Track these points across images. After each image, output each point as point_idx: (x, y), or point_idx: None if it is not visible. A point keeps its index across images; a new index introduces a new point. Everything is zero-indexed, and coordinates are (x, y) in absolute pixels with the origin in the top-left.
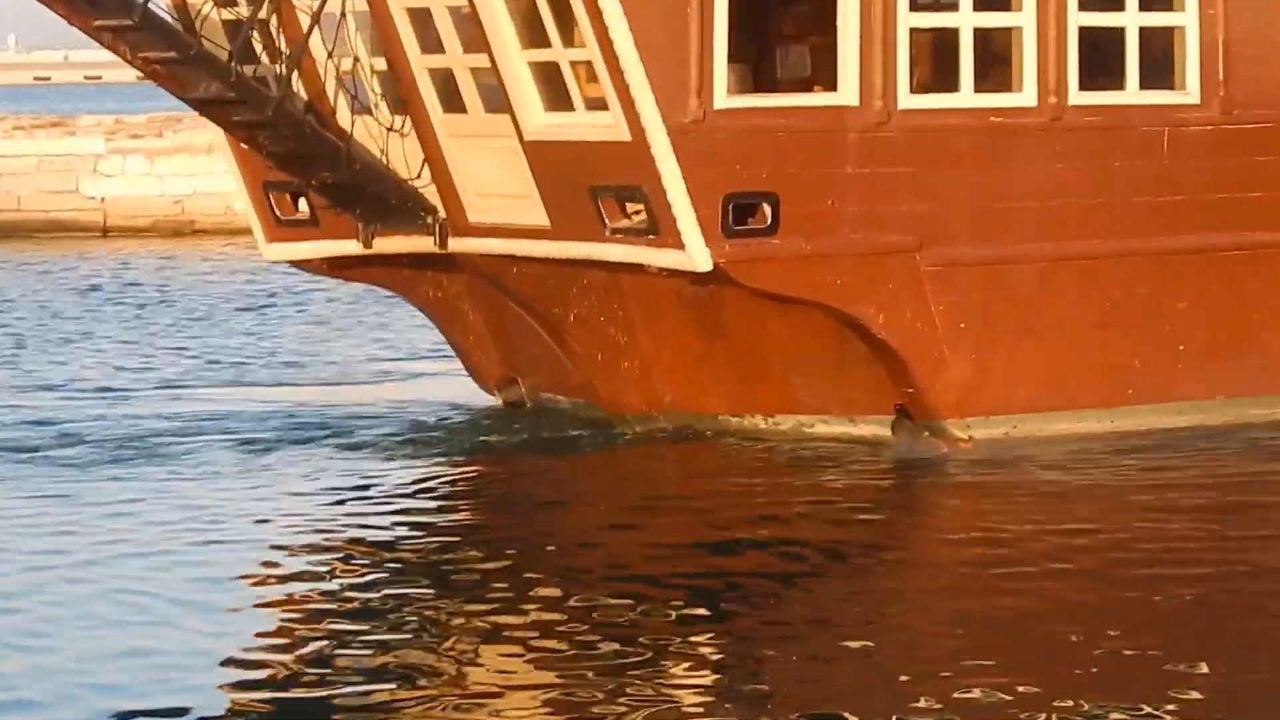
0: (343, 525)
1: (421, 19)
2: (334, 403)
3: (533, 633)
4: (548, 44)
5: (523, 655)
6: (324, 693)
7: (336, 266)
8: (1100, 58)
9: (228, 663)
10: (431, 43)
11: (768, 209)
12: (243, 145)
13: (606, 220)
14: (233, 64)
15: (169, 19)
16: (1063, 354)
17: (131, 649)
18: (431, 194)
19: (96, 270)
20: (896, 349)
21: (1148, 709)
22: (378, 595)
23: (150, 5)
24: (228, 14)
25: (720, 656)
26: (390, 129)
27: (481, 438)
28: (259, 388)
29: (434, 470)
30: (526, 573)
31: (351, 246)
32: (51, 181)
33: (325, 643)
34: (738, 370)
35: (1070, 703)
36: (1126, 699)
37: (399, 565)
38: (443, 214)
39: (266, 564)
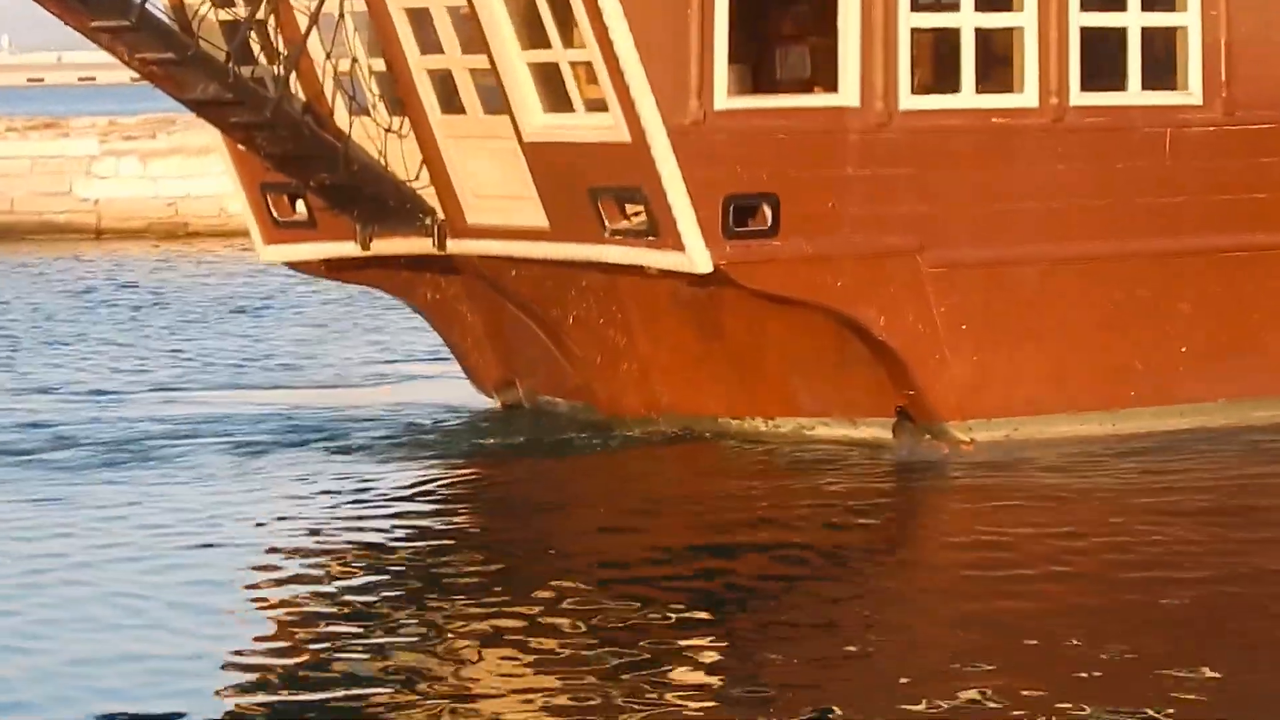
0: (339, 528)
1: (420, 19)
2: (330, 405)
3: (532, 636)
4: (547, 45)
5: (522, 658)
6: (321, 696)
7: (334, 268)
8: (1102, 58)
9: (224, 666)
10: (430, 43)
11: (768, 210)
12: (240, 146)
13: (606, 222)
14: (230, 65)
15: (166, 20)
16: (1064, 356)
17: (128, 652)
18: (430, 195)
19: (90, 272)
20: (897, 351)
21: (1149, 711)
22: (375, 598)
23: (148, 6)
24: (225, 14)
25: (720, 659)
26: (388, 130)
27: (479, 440)
28: (254, 390)
29: (431, 473)
30: (525, 576)
31: (349, 248)
32: (45, 183)
33: (322, 646)
34: (737, 372)
35: (1071, 705)
36: (1127, 701)
37: (396, 568)
38: (441, 215)
39: (263, 567)
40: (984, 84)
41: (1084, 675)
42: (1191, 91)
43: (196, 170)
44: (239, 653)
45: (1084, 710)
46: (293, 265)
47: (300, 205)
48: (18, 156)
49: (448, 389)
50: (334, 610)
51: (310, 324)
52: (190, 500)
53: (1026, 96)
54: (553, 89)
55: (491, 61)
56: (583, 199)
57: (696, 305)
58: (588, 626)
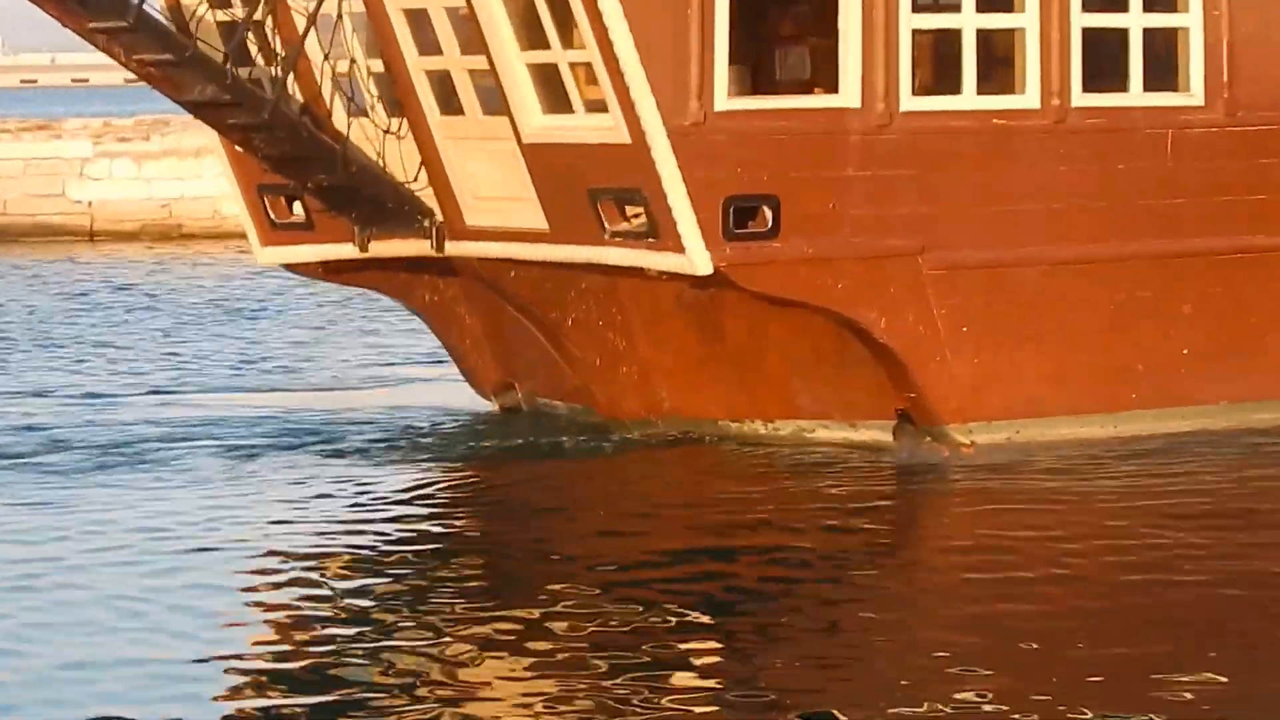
0: (336, 532)
1: (419, 20)
2: (327, 408)
3: (531, 639)
4: (546, 45)
5: (521, 662)
6: (319, 699)
7: (332, 270)
8: (1103, 59)
9: (222, 670)
10: (429, 44)
11: (768, 212)
12: (238, 148)
13: (606, 223)
14: (228, 66)
15: (163, 21)
16: (1065, 357)
17: (124, 656)
18: (428, 197)
19: (84, 275)
20: (898, 353)
21: (1150, 714)
22: (373, 602)
23: (145, 7)
24: (222, 15)
25: (720, 661)
26: (387, 131)
27: (477, 443)
28: (250, 394)
29: (429, 476)
30: (524, 579)
31: (347, 250)
32: (38, 185)
33: (320, 649)
34: (737, 375)
35: (1072, 708)
36: (1128, 703)
37: (394, 572)
38: (440, 217)
39: (260, 571)
40: (985, 85)
41: (1084, 678)
42: (1193, 93)
43: (190, 172)
44: (236, 656)
45: (1084, 713)
46: (290, 267)
47: (298, 207)
48: (11, 158)
49: (446, 392)
50: (332, 614)
51: (307, 326)
52: (186, 503)
53: (1028, 98)
54: (552, 90)
55: (490, 62)
56: (582, 200)
57: (696, 307)
58: (587, 630)
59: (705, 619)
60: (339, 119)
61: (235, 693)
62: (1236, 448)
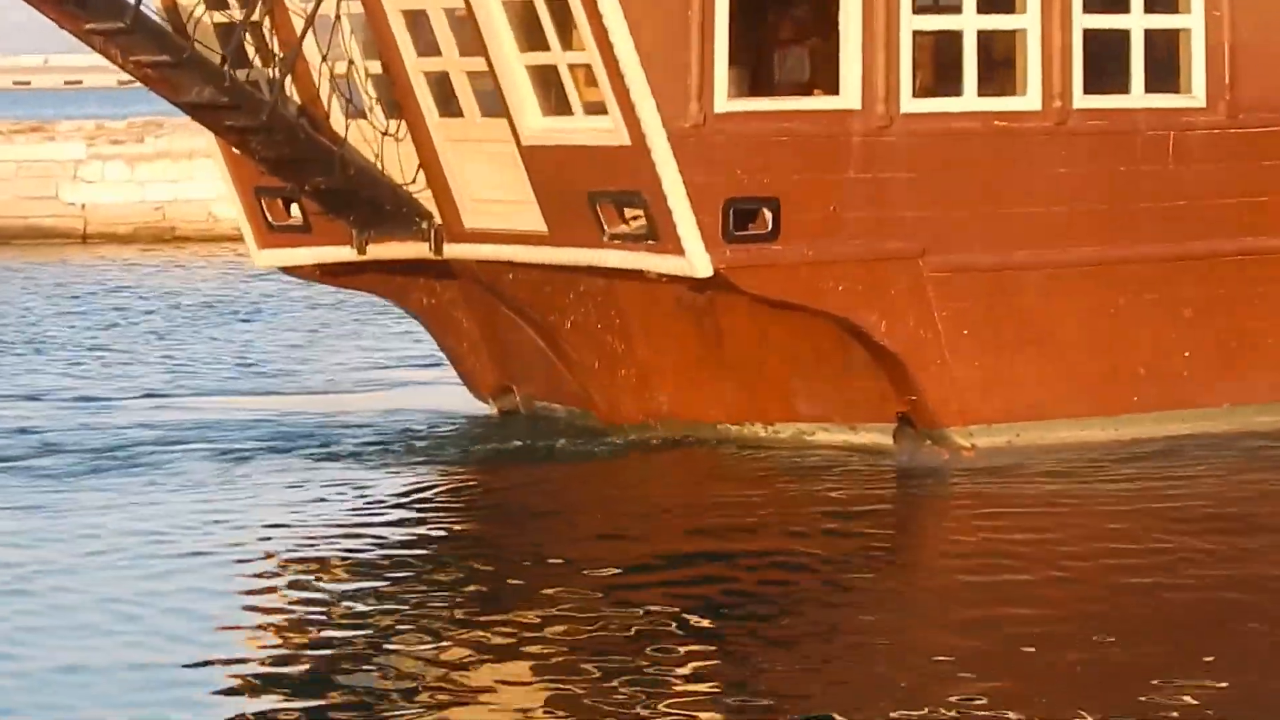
0: (333, 535)
1: (417, 21)
2: (323, 412)
3: (529, 643)
4: (546, 47)
5: (518, 666)
6: (316, 703)
7: (329, 273)
8: (1105, 61)
9: (217, 673)
10: (427, 45)
11: (769, 214)
12: (235, 150)
13: (605, 226)
14: (226, 68)
15: (160, 22)
16: (1066, 361)
17: (119, 659)
18: (427, 199)
19: (77, 277)
20: (899, 356)
21: (1150, 717)
22: (369, 606)
23: (142, 8)
24: (220, 17)
25: (719, 665)
26: (385, 133)
27: (475, 447)
28: (245, 397)
29: (426, 479)
30: (522, 583)
31: (345, 253)
32: (31, 187)
33: (317, 653)
34: (737, 378)
35: (1071, 711)
36: (1128, 707)
37: (390, 576)
38: (438, 219)
39: (256, 575)
40: (986, 87)
41: (1084, 681)
42: (1195, 94)
43: (184, 174)
44: (232, 660)
45: (1084, 716)
46: (287, 270)
47: (295, 209)
48: (3, 160)
49: (443, 395)
50: (328, 617)
51: (301, 329)
52: (181, 507)
53: (1029, 99)
54: (551, 92)
55: (489, 64)
56: (581, 203)
57: (696, 310)
58: (586, 633)
59: (704, 622)
60: (337, 121)
61: (231, 696)
62: (1237, 451)
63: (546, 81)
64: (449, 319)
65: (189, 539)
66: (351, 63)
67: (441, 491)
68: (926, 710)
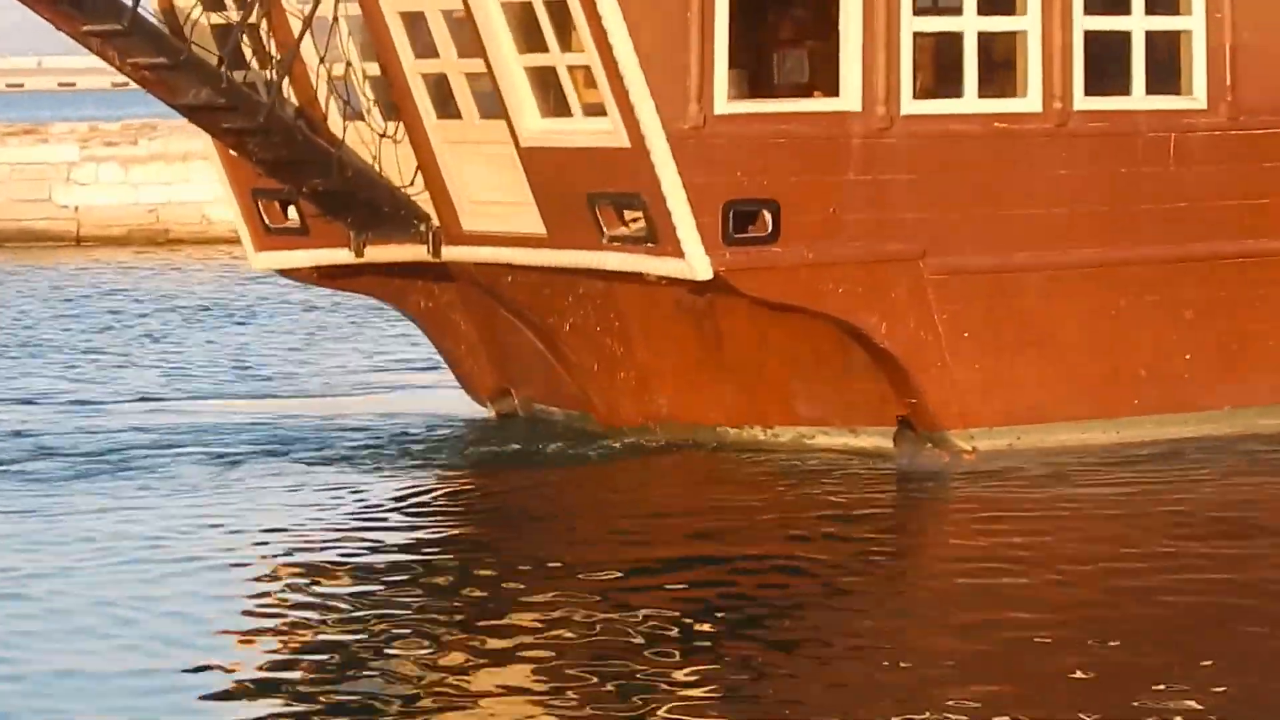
0: (328, 540)
1: (415, 23)
2: (320, 415)
3: (525, 648)
4: (545, 49)
5: (515, 671)
6: (310, 707)
7: (327, 275)
8: (1106, 62)
9: (213, 677)
10: (425, 47)
11: (768, 216)
12: (232, 152)
13: (604, 228)
14: (223, 70)
15: (157, 24)
16: (1067, 363)
17: (115, 662)
18: (425, 201)
19: (71, 280)
20: (899, 358)
21: None
22: (365, 610)
23: (139, 10)
24: (217, 18)
25: (718, 669)
26: (383, 135)
27: (473, 450)
28: (241, 400)
29: (424, 483)
30: (519, 589)
31: (342, 255)
32: (24, 190)
33: (312, 658)
34: (736, 381)
35: (1071, 715)
36: (1128, 711)
37: (387, 580)
38: (436, 222)
39: (250, 579)
40: (987, 88)
41: (1084, 685)
42: (1196, 96)
43: (178, 177)
44: (228, 664)
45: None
46: (284, 272)
47: (292, 212)
48: None
49: (441, 398)
50: (325, 622)
51: (299, 332)
52: (176, 511)
53: (1030, 101)
54: (550, 93)
55: (488, 65)
56: (580, 205)
57: (695, 313)
58: (584, 637)
59: (703, 626)
60: (335, 123)
61: (227, 701)
62: (1238, 454)
63: (545, 83)
64: (447, 322)
65: (185, 543)
66: (349, 64)
67: (439, 495)
68: (926, 714)
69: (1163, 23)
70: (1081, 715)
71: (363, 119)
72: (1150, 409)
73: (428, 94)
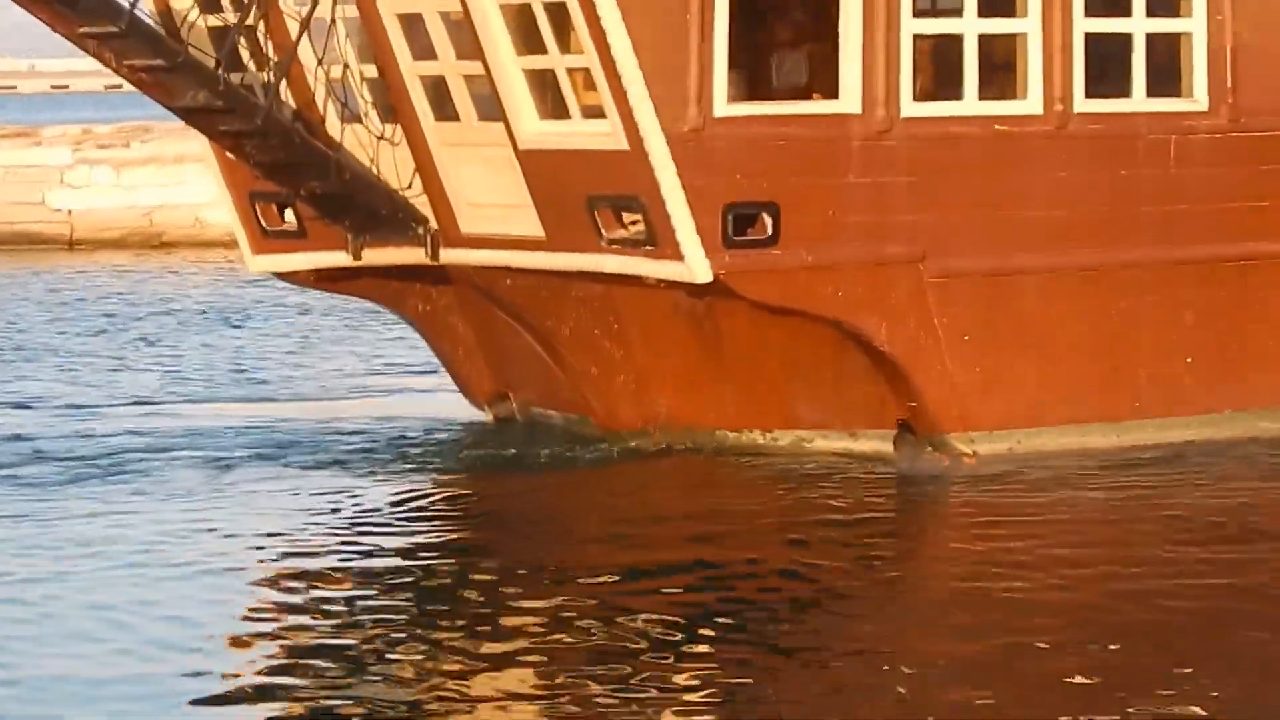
0: (324, 544)
1: (413, 25)
2: (316, 419)
3: (522, 653)
4: (543, 50)
5: (514, 675)
6: (307, 712)
7: (324, 279)
8: (1106, 64)
9: (208, 681)
10: (423, 49)
11: (768, 219)
12: (229, 155)
13: (603, 231)
14: (220, 72)
15: (155, 26)
16: (1068, 366)
17: (110, 667)
18: (423, 204)
19: (65, 284)
20: (899, 362)
21: None
22: (361, 614)
23: (137, 12)
24: (214, 20)
25: (717, 673)
26: (381, 138)
27: (470, 454)
28: (236, 404)
29: (421, 487)
30: (517, 592)
31: (340, 258)
32: (17, 193)
33: (308, 662)
34: (736, 384)
35: (1071, 719)
36: (1126, 714)
37: (383, 585)
38: (434, 225)
39: (246, 583)
40: (987, 91)
41: (1083, 689)
42: (1197, 98)
43: (172, 179)
44: (223, 668)
45: None
46: (282, 275)
47: (289, 214)
48: None
49: (439, 402)
50: (321, 627)
51: (295, 335)
52: (172, 515)
53: (1030, 103)
54: (549, 95)
55: (486, 67)
56: (579, 208)
57: (694, 316)
58: (582, 642)
59: (702, 630)
60: (332, 125)
61: (223, 705)
62: (1239, 457)
63: (544, 85)
64: (445, 325)
65: (180, 547)
66: (347, 67)
67: (437, 499)
68: (926, 717)
69: (1163, 25)
70: (1081, 719)
71: (360, 121)
72: (1151, 412)
73: (425, 96)
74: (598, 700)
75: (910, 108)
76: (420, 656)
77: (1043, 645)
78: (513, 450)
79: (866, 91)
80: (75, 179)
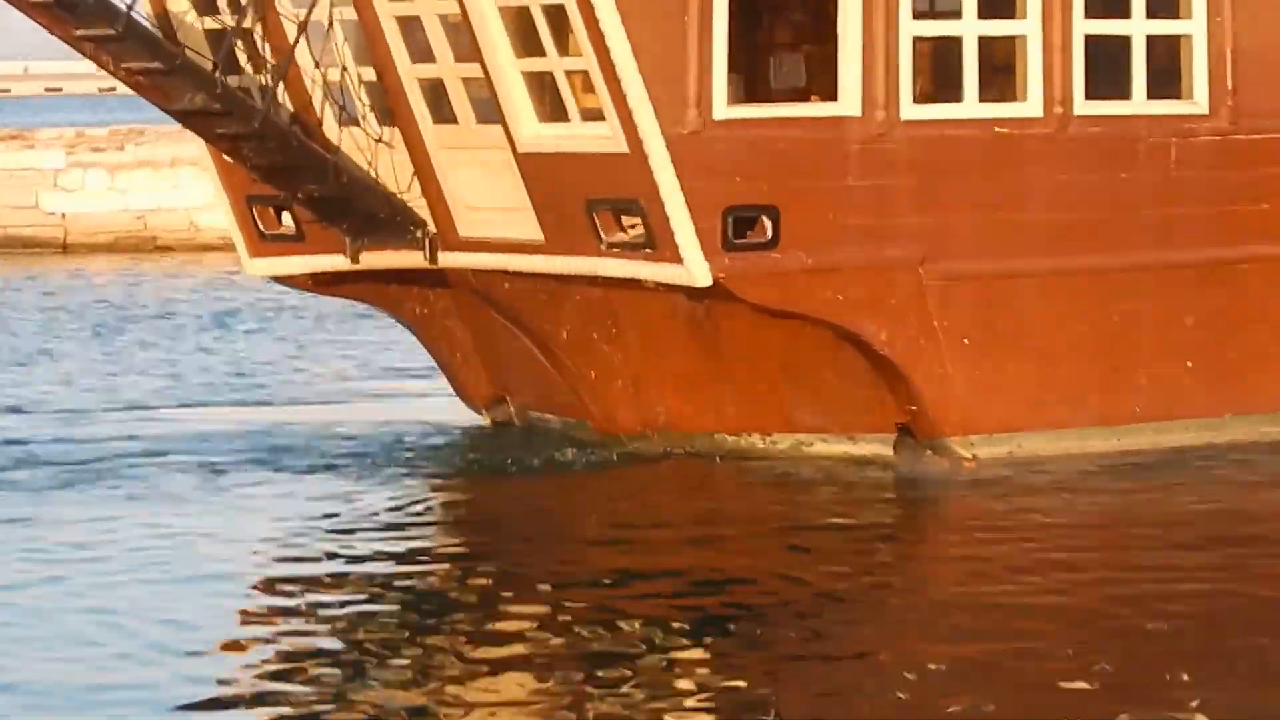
0: (320, 548)
1: (411, 27)
2: (313, 423)
3: (519, 658)
4: (542, 53)
5: (512, 679)
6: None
7: (321, 282)
8: (1106, 66)
9: (202, 685)
10: (421, 52)
11: (768, 222)
12: (226, 158)
13: (602, 234)
14: (217, 75)
15: (151, 28)
16: (1068, 370)
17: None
18: (421, 207)
19: (58, 287)
20: (899, 365)
21: None
22: (357, 618)
23: (134, 15)
24: (211, 23)
25: (714, 677)
26: (379, 140)
27: (467, 458)
28: (231, 408)
29: (418, 492)
30: (515, 597)
31: (338, 261)
32: (10, 196)
33: (305, 667)
34: (735, 388)
35: None
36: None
37: (379, 589)
38: (432, 228)
39: (243, 588)
40: (987, 93)
41: (1082, 694)
42: (1197, 100)
43: (166, 183)
44: (218, 675)
45: None
46: (279, 279)
47: (287, 218)
48: None
49: (436, 406)
50: (317, 631)
51: (292, 339)
52: (168, 520)
53: (1030, 105)
54: (548, 98)
55: (484, 70)
56: (578, 211)
57: (694, 319)
58: (580, 647)
59: (700, 635)
60: (330, 128)
61: (218, 709)
62: (1236, 463)
63: (542, 87)
64: (442, 328)
65: (175, 552)
66: (344, 69)
67: (433, 503)
68: None
69: (1163, 26)
70: None
71: (358, 124)
72: (1151, 416)
73: (424, 99)
74: (596, 704)
75: (910, 110)
76: (417, 660)
77: (1041, 649)
78: (510, 454)
79: (866, 94)
80: (69, 182)
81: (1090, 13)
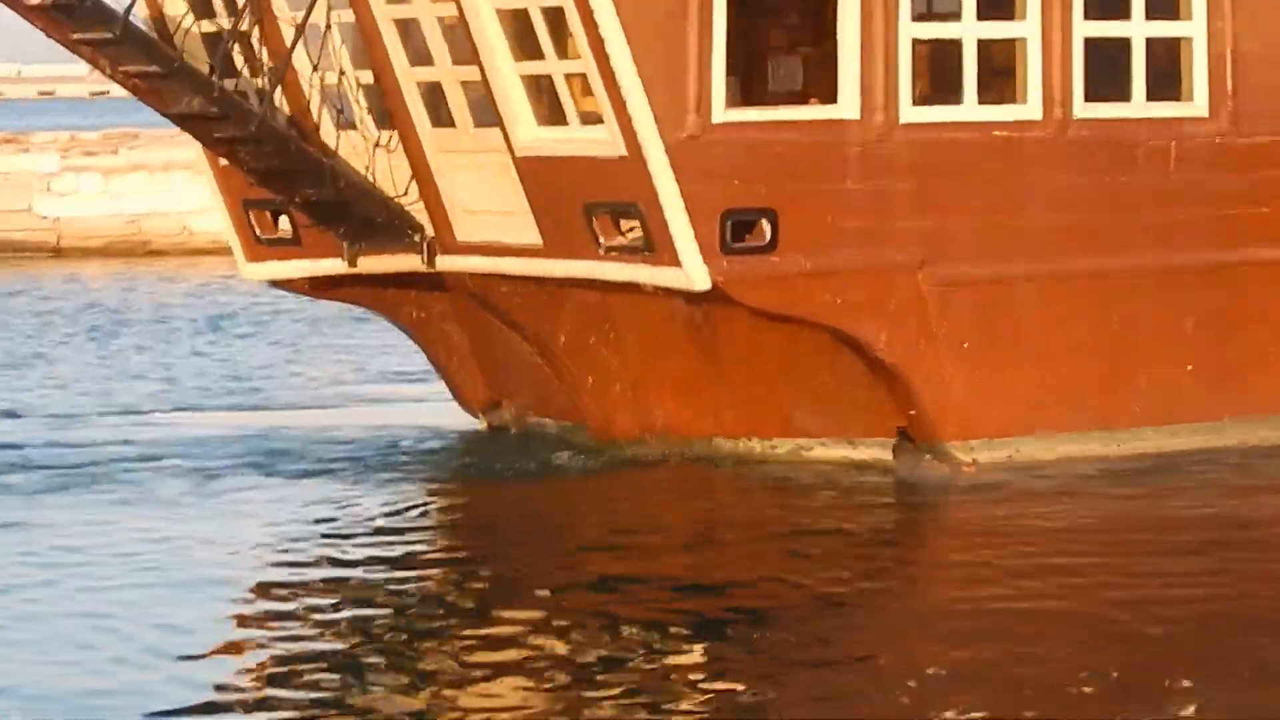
0: (315, 553)
1: (409, 30)
2: (309, 427)
3: (515, 663)
4: (540, 56)
5: (509, 684)
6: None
7: (318, 286)
8: (1106, 69)
9: (198, 692)
10: (419, 55)
11: (767, 226)
12: (223, 162)
13: (600, 238)
14: (214, 78)
15: (149, 32)
16: (1067, 374)
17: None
18: (419, 211)
19: (50, 292)
20: (898, 369)
21: None
22: (352, 624)
23: (131, 18)
24: (208, 26)
25: (713, 681)
26: (376, 144)
27: (464, 463)
28: (225, 412)
29: (414, 496)
30: (511, 601)
31: (335, 265)
32: (3, 200)
33: (300, 671)
34: (733, 392)
35: None
36: None
37: (374, 593)
38: (430, 232)
39: (238, 593)
40: (986, 95)
41: (1081, 698)
42: (1197, 103)
43: (159, 187)
44: (212, 679)
45: None
46: (276, 283)
47: (284, 222)
48: None
49: (433, 410)
50: (312, 635)
51: (287, 343)
52: (162, 524)
53: (1029, 108)
54: (546, 101)
55: (483, 73)
56: (577, 214)
57: (692, 323)
58: (576, 652)
59: (699, 639)
60: (327, 132)
61: (213, 713)
62: (1236, 466)
63: (541, 91)
64: (439, 332)
65: (169, 556)
66: (342, 72)
67: (430, 508)
68: None
69: (1163, 29)
70: None
71: (356, 128)
72: (1150, 419)
73: (422, 102)
74: (593, 709)
75: (909, 113)
76: (413, 665)
77: (1040, 653)
78: (507, 459)
79: (865, 97)
80: (62, 186)
81: (1090, 15)
